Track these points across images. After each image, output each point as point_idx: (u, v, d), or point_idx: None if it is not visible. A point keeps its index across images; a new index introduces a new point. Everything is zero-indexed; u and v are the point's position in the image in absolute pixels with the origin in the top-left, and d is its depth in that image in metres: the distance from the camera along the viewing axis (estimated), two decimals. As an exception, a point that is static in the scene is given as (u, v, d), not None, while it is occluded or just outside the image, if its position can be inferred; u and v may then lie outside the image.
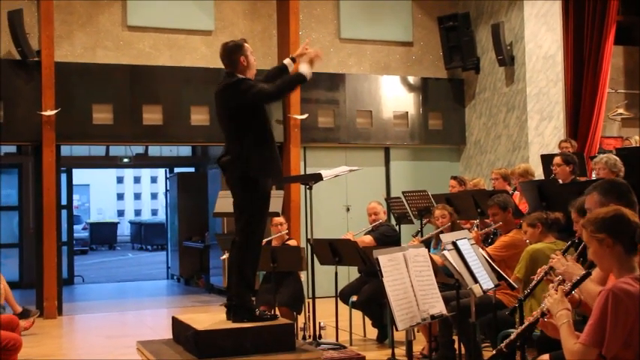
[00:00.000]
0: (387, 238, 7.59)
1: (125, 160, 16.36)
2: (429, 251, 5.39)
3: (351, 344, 7.28)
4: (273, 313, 5.66)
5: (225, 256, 7.34)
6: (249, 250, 4.92)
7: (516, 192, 7.78)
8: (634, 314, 2.95)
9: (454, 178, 9.16)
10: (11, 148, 13.67)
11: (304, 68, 4.96)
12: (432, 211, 7.39)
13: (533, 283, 4.01)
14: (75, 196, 18.93)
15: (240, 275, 4.90)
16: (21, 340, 5.48)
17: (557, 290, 3.29)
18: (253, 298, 5.07)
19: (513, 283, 5.23)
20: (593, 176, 7.17)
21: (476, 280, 4.73)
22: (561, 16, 11.00)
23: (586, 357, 2.97)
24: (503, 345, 3.49)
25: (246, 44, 5.05)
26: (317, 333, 6.99)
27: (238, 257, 4.93)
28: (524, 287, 5.33)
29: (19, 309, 8.84)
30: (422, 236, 7.61)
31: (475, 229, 7.04)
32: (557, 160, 7.21)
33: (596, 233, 3.14)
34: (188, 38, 10.96)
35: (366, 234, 7.94)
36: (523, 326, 3.37)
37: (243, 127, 4.90)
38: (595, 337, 2.96)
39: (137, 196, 65.90)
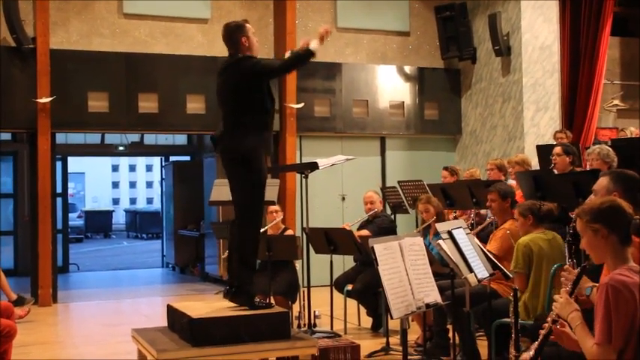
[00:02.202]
0: (384, 230, 7.54)
1: (120, 148, 16.32)
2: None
3: (345, 333, 7.30)
4: (268, 301, 5.67)
5: (226, 255, 7.36)
6: (248, 230, 4.89)
7: (513, 182, 7.77)
8: (632, 305, 2.95)
9: (445, 168, 9.17)
10: (6, 136, 13.63)
11: (315, 44, 4.83)
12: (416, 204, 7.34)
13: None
14: (70, 184, 18.91)
15: (241, 256, 4.87)
16: (16, 328, 5.48)
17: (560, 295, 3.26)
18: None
19: (508, 273, 5.24)
20: (588, 167, 7.18)
21: (471, 270, 4.75)
22: (558, 6, 11.00)
23: (605, 357, 2.96)
24: None
25: (247, 25, 5.03)
26: (312, 322, 7.01)
27: (239, 236, 4.90)
28: (527, 281, 5.28)
29: (14, 296, 8.85)
30: (416, 226, 7.62)
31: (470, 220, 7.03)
32: (557, 150, 7.22)
33: (592, 223, 3.13)
34: (185, 26, 10.93)
35: (362, 225, 7.93)
36: (539, 341, 3.27)
37: (242, 105, 4.86)
38: (608, 335, 2.96)
39: (132, 185, 65.87)
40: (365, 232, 7.61)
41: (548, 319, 3.28)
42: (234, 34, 4.99)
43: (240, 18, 10.80)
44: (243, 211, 4.91)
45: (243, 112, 4.86)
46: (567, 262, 3.61)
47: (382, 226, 7.66)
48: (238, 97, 4.88)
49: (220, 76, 5.03)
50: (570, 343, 3.20)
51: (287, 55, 5.27)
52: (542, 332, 3.29)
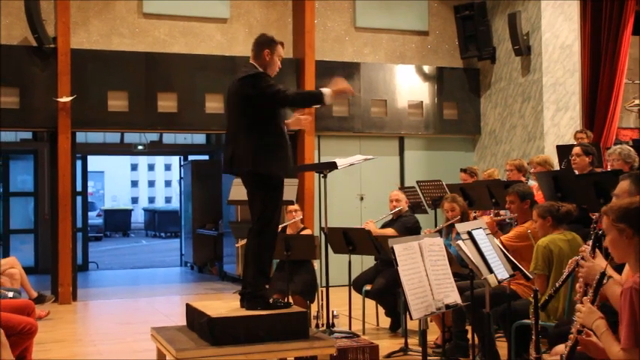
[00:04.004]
0: (410, 230, 7.48)
1: (140, 147, 16.40)
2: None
3: (364, 333, 7.28)
4: (286, 301, 5.67)
5: (241, 243, 7.33)
6: (265, 237, 4.92)
7: (534, 183, 7.71)
8: None
9: (464, 170, 9.09)
10: (27, 135, 13.75)
11: (327, 91, 4.88)
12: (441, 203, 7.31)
13: (565, 274, 3.84)
14: (90, 183, 19.00)
15: (256, 262, 4.90)
16: (36, 325, 5.51)
17: (583, 303, 3.21)
18: (267, 286, 5.06)
19: (528, 274, 5.19)
20: (609, 168, 7.11)
21: (491, 270, 4.71)
22: (579, 5, 10.91)
23: None
24: None
25: (280, 46, 5.04)
26: (330, 321, 7.00)
27: (254, 244, 4.93)
28: (547, 282, 5.22)
29: (35, 294, 8.94)
30: (435, 226, 7.57)
31: (491, 215, 6.98)
32: (576, 150, 7.16)
33: (617, 222, 3.11)
34: (203, 26, 10.96)
35: (386, 223, 7.90)
36: (566, 353, 3.24)
37: (253, 122, 4.84)
38: (634, 339, 2.94)
39: (151, 184, 66.21)
40: (390, 231, 7.53)
41: (573, 329, 3.23)
42: (263, 44, 5.02)
43: (259, 17, 11.06)
44: (260, 221, 4.92)
45: (252, 134, 4.84)
46: (589, 254, 3.49)
47: (407, 225, 7.59)
48: (248, 116, 4.86)
49: (233, 87, 4.99)
50: (598, 353, 3.16)
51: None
52: (569, 344, 3.24)
